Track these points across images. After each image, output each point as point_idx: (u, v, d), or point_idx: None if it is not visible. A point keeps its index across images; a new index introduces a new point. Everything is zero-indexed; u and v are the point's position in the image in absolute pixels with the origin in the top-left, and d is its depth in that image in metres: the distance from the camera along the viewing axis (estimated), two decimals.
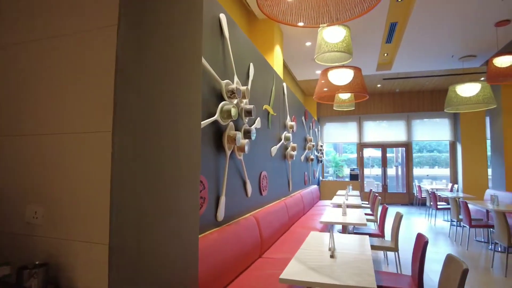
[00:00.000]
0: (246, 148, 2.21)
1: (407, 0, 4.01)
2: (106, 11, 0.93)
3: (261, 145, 2.99)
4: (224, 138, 2.04)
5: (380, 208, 3.95)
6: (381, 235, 3.15)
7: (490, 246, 4.19)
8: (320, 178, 8.09)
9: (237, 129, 2.29)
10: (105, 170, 0.89)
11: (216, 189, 1.97)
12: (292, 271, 1.45)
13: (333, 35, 3.28)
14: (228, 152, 2.10)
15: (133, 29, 0.97)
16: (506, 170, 5.24)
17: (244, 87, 2.24)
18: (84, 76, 0.95)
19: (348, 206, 4.77)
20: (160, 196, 1.09)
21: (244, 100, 2.37)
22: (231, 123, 2.13)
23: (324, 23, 2.24)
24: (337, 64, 3.69)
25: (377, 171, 10.70)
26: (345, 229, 3.05)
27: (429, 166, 14.09)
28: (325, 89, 3.83)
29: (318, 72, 6.59)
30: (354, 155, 10.21)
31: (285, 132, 3.87)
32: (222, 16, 2.14)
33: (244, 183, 2.46)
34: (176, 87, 1.21)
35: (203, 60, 1.84)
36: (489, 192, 5.52)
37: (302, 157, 5.26)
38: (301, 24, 2.03)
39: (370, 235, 3.17)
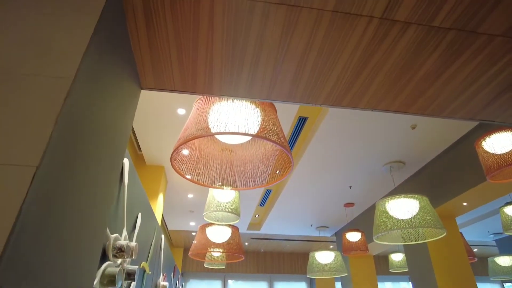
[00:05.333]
0: None
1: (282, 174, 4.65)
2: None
3: None
4: None
5: None
6: None
7: None
8: None
9: None
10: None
11: None
12: None
13: (223, 195, 3.36)
14: None
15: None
16: None
17: (134, 244, 1.87)
18: None
19: None
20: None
21: (128, 259, 1.94)
22: None
23: (228, 186, 2.28)
24: (220, 223, 3.65)
25: None
26: None
27: None
28: (213, 252, 3.62)
29: (192, 224, 6.41)
30: None
31: None
32: (126, 162, 1.93)
33: None
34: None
35: None
36: None
37: None
38: (219, 185, 1.98)
39: None
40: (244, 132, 1.64)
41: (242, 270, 8.56)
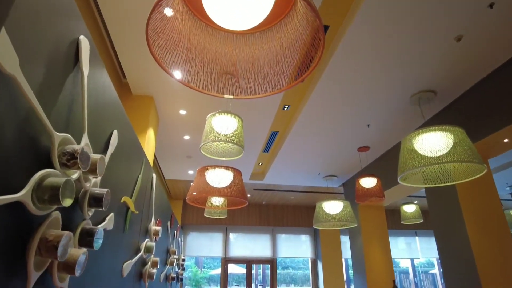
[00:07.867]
0: (80, 265, 1.18)
1: (291, 113, 4.10)
2: None
3: (108, 258, 1.89)
4: (33, 243, 1.00)
5: None
6: None
7: None
8: None
9: (67, 226, 1.26)
10: None
11: None
12: None
13: (223, 125, 2.83)
14: (35, 275, 1.03)
15: None
16: (369, 287, 5.28)
17: (98, 156, 1.34)
18: None
19: None
20: None
21: (93, 179, 1.42)
22: (57, 213, 1.12)
23: (230, 95, 1.73)
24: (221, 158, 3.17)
25: None
26: None
27: (286, 285, 14.00)
28: (213, 202, 3.16)
29: (191, 172, 5.98)
30: (216, 271, 9.21)
31: (146, 240, 2.82)
32: (83, 40, 1.33)
33: None
34: None
35: (21, 75, 0.94)
36: None
37: (162, 275, 4.05)
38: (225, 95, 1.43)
39: None
40: None
41: (244, 222, 8.33)
